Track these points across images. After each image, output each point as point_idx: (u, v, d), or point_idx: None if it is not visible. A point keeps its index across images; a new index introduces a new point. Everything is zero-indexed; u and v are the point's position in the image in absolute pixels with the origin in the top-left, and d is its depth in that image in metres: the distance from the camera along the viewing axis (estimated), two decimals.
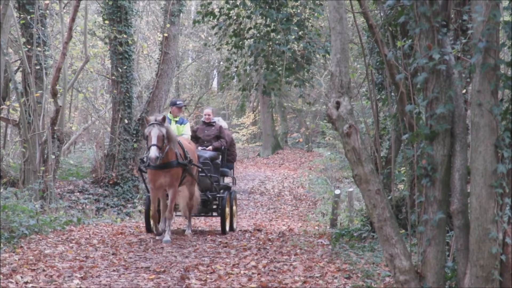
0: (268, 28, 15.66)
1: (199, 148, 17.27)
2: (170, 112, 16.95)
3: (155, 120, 14.49)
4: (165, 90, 26.94)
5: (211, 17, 16.42)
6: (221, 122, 17.99)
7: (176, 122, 16.87)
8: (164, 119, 14.53)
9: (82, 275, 10.71)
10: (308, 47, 16.12)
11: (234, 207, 17.88)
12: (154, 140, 14.21)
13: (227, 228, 17.32)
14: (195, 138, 17.45)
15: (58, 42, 25.14)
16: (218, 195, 17.09)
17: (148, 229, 16.62)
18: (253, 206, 26.19)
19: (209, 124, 17.68)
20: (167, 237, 15.07)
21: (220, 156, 17.56)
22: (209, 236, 16.95)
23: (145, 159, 15.33)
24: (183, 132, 16.75)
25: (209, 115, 17.73)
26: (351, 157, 7.73)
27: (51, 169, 20.23)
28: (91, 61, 26.10)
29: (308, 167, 36.89)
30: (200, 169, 16.40)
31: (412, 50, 7.71)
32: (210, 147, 17.36)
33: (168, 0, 26.98)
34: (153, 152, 14.07)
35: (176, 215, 17.78)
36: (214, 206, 17.44)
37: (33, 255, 12.38)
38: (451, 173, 7.37)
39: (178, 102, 17.16)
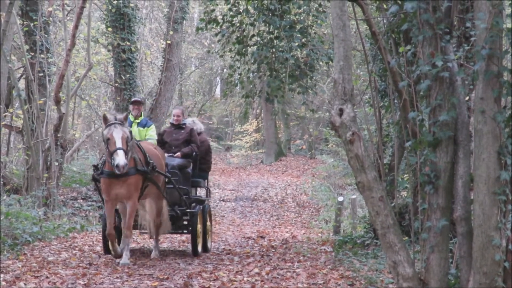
0: (271, 35, 15.67)
1: (166, 154, 14.60)
2: (131, 113, 14.56)
3: (116, 119, 12.33)
4: (168, 97, 26.99)
5: (214, 24, 16.44)
6: (195, 124, 15.70)
7: (138, 124, 14.56)
8: (126, 117, 12.58)
9: (85, 282, 10.71)
10: (311, 54, 16.14)
11: (208, 224, 15.19)
12: (119, 143, 12.04)
13: (199, 248, 14.48)
14: (161, 143, 15.02)
15: (62, 49, 25.17)
16: (188, 210, 14.45)
17: (106, 250, 13.74)
18: (256, 213, 26.17)
19: (179, 126, 15.19)
20: (124, 259, 12.60)
21: (191, 164, 15.06)
22: (213, 243, 16.93)
23: (99, 166, 13.00)
24: (147, 137, 14.49)
25: (178, 116, 15.30)
26: (354, 164, 7.74)
27: (54, 176, 20.23)
28: (94, 68, 26.15)
29: (311, 174, 36.86)
30: (167, 179, 13.97)
31: (415, 57, 7.72)
32: (179, 154, 14.74)
33: (171, 8, 27.04)
34: (121, 158, 11.91)
35: (142, 232, 16.18)
36: (185, 222, 14.77)
37: (37, 262, 12.40)
38: (454, 180, 7.37)
39: (136, 98, 15.15)
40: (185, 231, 15.10)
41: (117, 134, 12.09)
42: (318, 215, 25.10)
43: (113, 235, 12.69)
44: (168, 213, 14.24)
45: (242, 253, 15.04)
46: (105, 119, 12.38)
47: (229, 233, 19.71)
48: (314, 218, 24.67)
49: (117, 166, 11.87)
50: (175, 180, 13.97)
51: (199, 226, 14.41)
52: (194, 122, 15.72)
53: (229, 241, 17.37)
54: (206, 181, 16.17)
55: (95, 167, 13.11)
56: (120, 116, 12.40)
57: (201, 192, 18.50)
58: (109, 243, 12.98)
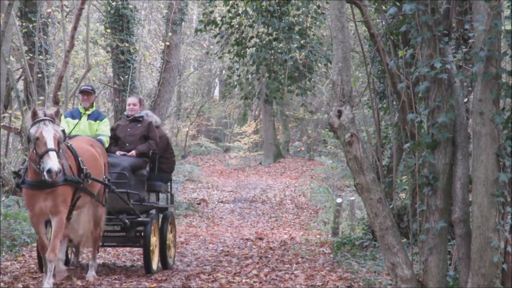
0: (270, 37, 15.68)
1: (118, 152, 12.36)
2: (80, 103, 12.44)
3: (45, 115, 9.81)
4: (167, 98, 26.99)
5: (213, 26, 16.45)
6: (149, 116, 13.25)
7: (89, 116, 12.21)
8: (57, 114, 9.97)
9: (83, 283, 10.70)
10: (310, 56, 16.15)
11: (169, 236, 12.84)
12: (50, 143, 9.51)
13: (155, 265, 12.11)
14: (114, 139, 12.62)
15: (60, 51, 25.15)
16: (140, 219, 11.99)
17: (41, 268, 11.14)
18: (255, 214, 26.17)
19: (135, 119, 12.81)
20: (45, 284, 9.71)
21: (148, 165, 12.70)
22: (211, 244, 16.94)
23: (21, 172, 10.17)
24: (99, 132, 12.15)
25: (134, 104, 12.95)
26: (353, 165, 7.74)
27: None
28: (93, 70, 26.09)
29: (309, 176, 36.87)
30: (107, 186, 11.25)
31: (413, 59, 7.73)
32: (133, 152, 12.28)
33: (170, 9, 27.05)
34: (55, 161, 9.35)
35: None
36: (138, 234, 12.30)
37: (35, 264, 12.38)
38: (452, 182, 7.38)
39: (86, 87, 12.61)
40: (136, 244, 12.59)
41: (48, 133, 9.60)
42: (317, 216, 25.11)
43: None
44: (114, 223, 12.04)
45: (241, 254, 15.04)
46: (34, 114, 9.82)
47: (227, 234, 19.70)
48: (312, 219, 24.68)
49: (49, 171, 9.29)
50: (124, 184, 11.58)
51: (153, 239, 12.07)
52: (148, 115, 13.27)
53: (227, 243, 17.36)
54: (168, 184, 13.53)
55: (16, 174, 10.29)
56: (50, 112, 9.96)
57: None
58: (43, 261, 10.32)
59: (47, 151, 9.41)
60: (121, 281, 11.12)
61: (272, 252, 15.53)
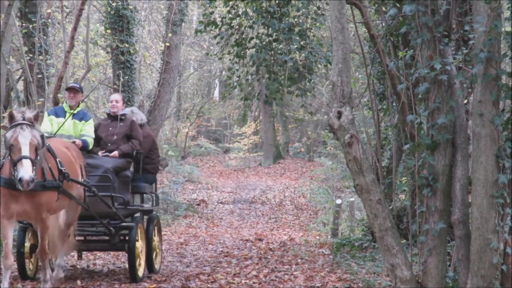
0: (270, 38, 15.68)
1: (100, 153, 11.75)
2: (66, 102, 11.81)
3: (23, 119, 9.12)
4: (166, 99, 26.96)
5: (213, 26, 16.44)
6: (135, 114, 12.68)
7: (74, 116, 11.54)
8: (37, 117, 9.28)
9: (83, 284, 10.70)
10: (310, 57, 16.15)
11: (155, 239, 12.25)
12: (25, 150, 8.86)
13: (141, 273, 11.42)
14: (95, 138, 11.77)
15: (60, 51, 25.14)
16: (124, 223, 11.37)
17: (22, 276, 11.01)
18: (254, 215, 26.16)
19: (116, 118, 12.14)
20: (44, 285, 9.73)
21: (132, 166, 12.15)
22: (211, 245, 16.94)
23: None
24: (83, 132, 11.47)
25: (117, 101, 12.30)
26: (353, 167, 7.74)
27: None
28: (93, 70, 26.07)
29: (309, 177, 36.85)
30: (87, 188, 10.58)
31: (413, 60, 7.73)
32: (116, 152, 11.65)
33: (170, 10, 27.04)
34: (27, 170, 8.73)
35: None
36: (122, 238, 11.68)
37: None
38: (452, 183, 7.38)
39: (73, 84, 12.08)
40: (121, 250, 12.02)
41: (24, 139, 8.91)
42: (316, 217, 25.10)
43: (10, 262, 9.39)
44: (97, 228, 11.45)
45: (240, 255, 15.04)
46: (11, 118, 9.19)
47: (227, 235, 19.70)
48: (312, 220, 24.66)
49: (20, 180, 8.69)
50: (108, 187, 10.95)
51: (139, 244, 11.44)
52: (133, 112, 12.70)
53: (227, 244, 17.36)
54: (153, 185, 12.87)
55: None
56: (30, 115, 9.21)
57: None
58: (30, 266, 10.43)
59: (20, 159, 8.80)
60: (120, 281, 11.14)
61: (271, 253, 15.53)
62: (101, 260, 13.56)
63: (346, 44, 7.98)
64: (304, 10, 16.17)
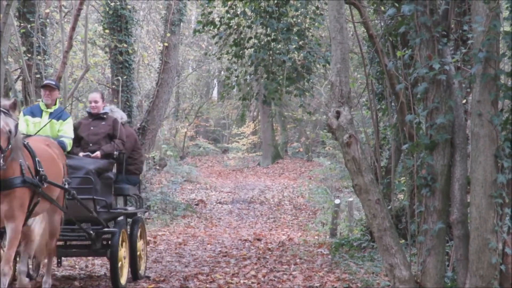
0: (269, 38, 15.68)
1: (81, 154, 11.06)
2: (42, 100, 10.99)
3: None
4: (165, 99, 26.95)
5: (212, 26, 16.43)
6: (115, 112, 12.03)
7: (51, 115, 10.80)
8: (14, 105, 8.58)
9: (81, 284, 10.70)
10: (309, 56, 16.14)
11: (139, 244, 11.66)
12: None
13: (124, 280, 10.73)
14: (76, 138, 11.15)
15: (59, 51, 25.14)
16: (106, 229, 10.67)
17: None
18: (253, 215, 26.16)
19: (98, 117, 11.46)
20: None
21: (115, 167, 11.48)
22: (209, 245, 16.93)
23: None
24: (61, 133, 10.77)
25: (96, 102, 11.49)
26: (351, 167, 7.73)
27: None
28: (92, 70, 26.06)
29: (308, 177, 36.87)
30: (67, 192, 9.74)
31: (412, 60, 7.72)
32: (98, 153, 11.00)
33: (169, 10, 27.04)
34: None
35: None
36: (105, 242, 10.90)
37: (31, 264, 12.37)
38: (451, 183, 7.37)
39: (49, 81, 11.24)
40: (103, 256, 11.31)
41: None
42: (315, 217, 25.10)
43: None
44: (77, 233, 10.72)
45: (239, 255, 15.03)
46: None
47: (225, 235, 19.70)
48: (310, 220, 24.67)
49: None
50: (90, 189, 10.27)
51: (122, 250, 10.77)
52: (113, 111, 11.99)
53: (225, 244, 17.35)
54: (137, 187, 12.25)
55: None
56: (6, 102, 8.54)
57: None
58: None
59: None
60: None
61: (270, 253, 15.53)
62: (99, 260, 13.55)
63: (345, 44, 7.97)
64: (302, 10, 16.16)
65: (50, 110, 10.79)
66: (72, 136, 10.86)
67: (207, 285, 11.08)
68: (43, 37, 21.83)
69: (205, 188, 33.59)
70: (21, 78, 22.91)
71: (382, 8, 11.32)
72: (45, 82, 11.22)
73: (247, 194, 31.78)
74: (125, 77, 24.71)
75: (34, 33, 20.56)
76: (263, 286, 11.16)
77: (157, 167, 32.53)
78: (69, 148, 10.79)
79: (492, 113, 6.84)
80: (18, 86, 23.85)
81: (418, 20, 7.39)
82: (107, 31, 24.58)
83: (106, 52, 26.62)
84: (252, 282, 11.42)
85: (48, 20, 22.82)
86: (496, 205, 6.87)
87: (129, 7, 24.81)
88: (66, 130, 10.78)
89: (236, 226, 22.94)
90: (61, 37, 21.75)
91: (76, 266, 12.62)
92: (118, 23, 24.38)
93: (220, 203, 29.24)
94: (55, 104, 10.94)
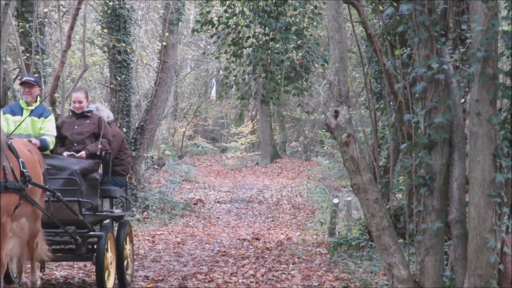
0: (267, 37, 15.68)
1: (65, 154, 10.48)
2: (22, 97, 10.51)
3: None
4: (163, 99, 26.94)
5: (210, 26, 16.43)
6: (101, 111, 11.50)
7: (32, 112, 10.30)
8: None
9: (80, 284, 10.69)
10: (307, 56, 16.15)
11: (127, 248, 11.08)
12: None
13: (110, 285, 10.20)
14: (59, 138, 10.67)
15: (57, 51, 25.13)
16: (91, 232, 10.09)
17: None
18: (252, 215, 26.17)
19: (82, 115, 10.89)
20: None
21: (101, 167, 10.92)
22: (208, 245, 16.93)
23: None
24: (43, 131, 10.25)
25: (80, 102, 10.90)
26: (350, 166, 7.73)
27: None
28: (90, 70, 26.06)
29: (306, 176, 36.88)
30: (51, 193, 9.32)
31: (410, 60, 7.72)
32: (83, 153, 10.42)
33: (167, 9, 27.04)
34: None
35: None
36: (90, 246, 10.34)
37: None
38: (449, 182, 7.37)
39: (28, 78, 10.58)
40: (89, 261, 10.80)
41: None
42: (313, 217, 25.11)
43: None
44: (62, 237, 10.24)
45: (237, 255, 15.03)
46: None
47: (224, 234, 19.70)
48: (309, 220, 24.68)
49: None
50: (75, 191, 9.72)
51: (109, 255, 10.25)
52: (99, 109, 11.49)
53: (224, 243, 17.36)
54: (124, 189, 11.70)
55: None
56: None
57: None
58: None
59: None
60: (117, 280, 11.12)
61: (268, 252, 15.53)
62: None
63: (343, 43, 7.97)
64: (301, 9, 16.17)
65: (30, 108, 10.30)
66: (55, 134, 10.37)
67: (206, 285, 11.08)
68: (42, 37, 21.83)
69: (203, 187, 33.60)
70: (19, 77, 22.91)
71: (381, 7, 11.31)
72: (24, 78, 10.64)
73: (245, 194, 31.79)
74: (123, 76, 24.70)
75: (33, 32, 20.56)
76: (261, 286, 11.16)
77: (156, 167, 32.54)
78: (51, 147, 10.32)
79: (490, 113, 6.84)
80: (17, 85, 23.85)
81: (417, 19, 7.38)
82: (105, 30, 24.58)
83: (104, 52, 26.61)
84: (251, 282, 11.42)
85: (46, 20, 22.82)
86: (494, 204, 6.86)
87: (127, 6, 24.81)
88: (48, 128, 10.27)
89: (235, 225, 22.95)
90: (59, 36, 21.75)
91: (75, 266, 12.62)
92: (117, 23, 24.37)
93: (218, 202, 29.25)
94: (36, 101, 10.43)
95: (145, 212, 23.06)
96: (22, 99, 10.37)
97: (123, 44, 24.46)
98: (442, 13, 7.66)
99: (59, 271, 11.91)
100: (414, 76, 7.55)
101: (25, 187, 8.26)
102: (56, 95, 19.83)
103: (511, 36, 6.79)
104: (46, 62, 22.21)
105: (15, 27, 20.01)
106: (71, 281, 11.15)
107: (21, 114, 10.23)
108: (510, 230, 7.09)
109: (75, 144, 10.57)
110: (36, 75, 20.89)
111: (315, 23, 16.81)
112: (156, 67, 28.40)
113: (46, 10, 22.61)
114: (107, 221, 10.80)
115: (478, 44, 6.84)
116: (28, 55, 20.89)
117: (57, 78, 19.36)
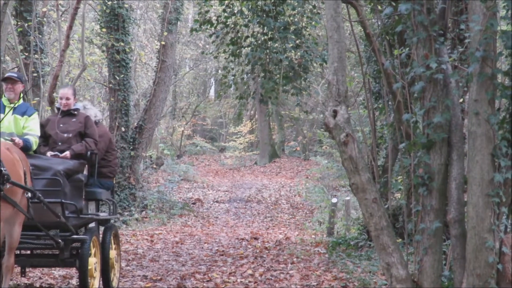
0: (266, 37, 15.68)
1: (49, 153, 9.98)
2: (4, 94, 9.91)
3: None
4: (162, 98, 26.94)
5: (209, 25, 16.43)
6: (88, 110, 11.02)
7: (14, 110, 9.76)
8: None
9: (78, 283, 10.69)
10: (306, 55, 16.14)
11: (112, 253, 10.52)
12: None
13: None
14: (43, 137, 10.15)
15: (56, 50, 25.11)
16: (75, 236, 9.51)
17: None
18: (250, 214, 26.18)
19: (68, 113, 10.35)
20: None
21: (86, 168, 10.40)
22: (206, 244, 16.93)
23: None
24: (26, 131, 9.68)
25: (68, 98, 10.36)
26: (348, 166, 7.72)
27: None
28: (89, 69, 26.06)
29: (305, 176, 36.88)
30: (31, 194, 8.62)
31: (409, 59, 7.71)
32: (67, 153, 9.89)
33: (166, 9, 27.03)
34: None
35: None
36: (74, 251, 9.72)
37: None
38: (448, 182, 7.37)
39: (10, 74, 10.08)
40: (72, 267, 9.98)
41: None
42: (312, 216, 25.12)
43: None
44: (44, 240, 9.43)
45: (236, 254, 15.03)
46: None
47: (222, 234, 19.70)
48: (307, 219, 24.69)
49: None
50: (58, 192, 9.16)
51: (92, 260, 9.67)
52: (86, 108, 11.04)
53: (222, 243, 17.36)
54: (110, 191, 11.02)
55: None
56: None
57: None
58: None
59: None
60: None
61: (267, 252, 15.53)
62: None
63: (342, 43, 7.97)
64: (299, 9, 16.16)
65: (13, 105, 9.73)
66: (39, 133, 9.84)
67: (204, 284, 11.08)
68: (40, 36, 21.83)
69: (202, 187, 33.59)
70: None
71: (379, 7, 11.31)
72: (7, 74, 10.10)
73: (244, 193, 31.79)
74: (122, 75, 24.69)
75: (31, 31, 20.55)
76: (260, 285, 11.16)
77: (154, 166, 32.56)
78: (34, 147, 9.77)
79: (489, 112, 6.84)
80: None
81: (415, 19, 7.38)
82: (104, 30, 24.56)
83: (103, 51, 26.58)
84: (249, 281, 11.42)
85: (45, 19, 22.82)
86: (493, 204, 6.86)
87: (126, 6, 24.80)
88: (32, 127, 9.72)
89: (233, 225, 22.95)
90: (58, 35, 21.74)
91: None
92: (115, 22, 24.35)
93: (217, 202, 29.25)
94: (20, 99, 9.85)
95: (144, 212, 23.07)
96: (5, 96, 9.81)
97: (122, 44, 24.45)
98: (441, 12, 7.65)
99: (58, 270, 11.91)
100: (412, 76, 7.54)
101: (3, 187, 7.71)
102: (54, 94, 19.82)
103: (510, 35, 6.79)
104: (45, 61, 22.20)
105: (13, 26, 20.00)
106: (70, 280, 11.14)
107: (4, 112, 9.67)
108: (508, 230, 7.09)
109: (60, 144, 10.09)
110: (35, 74, 20.91)
111: (313, 23, 16.81)
112: (155, 66, 28.40)
113: (44, 9, 22.61)
114: (92, 224, 10.34)
115: (477, 44, 6.84)
116: (26, 54, 20.87)
117: (55, 78, 19.36)
